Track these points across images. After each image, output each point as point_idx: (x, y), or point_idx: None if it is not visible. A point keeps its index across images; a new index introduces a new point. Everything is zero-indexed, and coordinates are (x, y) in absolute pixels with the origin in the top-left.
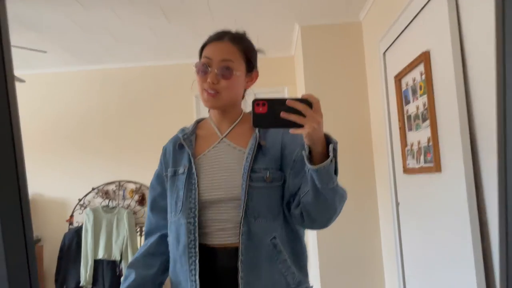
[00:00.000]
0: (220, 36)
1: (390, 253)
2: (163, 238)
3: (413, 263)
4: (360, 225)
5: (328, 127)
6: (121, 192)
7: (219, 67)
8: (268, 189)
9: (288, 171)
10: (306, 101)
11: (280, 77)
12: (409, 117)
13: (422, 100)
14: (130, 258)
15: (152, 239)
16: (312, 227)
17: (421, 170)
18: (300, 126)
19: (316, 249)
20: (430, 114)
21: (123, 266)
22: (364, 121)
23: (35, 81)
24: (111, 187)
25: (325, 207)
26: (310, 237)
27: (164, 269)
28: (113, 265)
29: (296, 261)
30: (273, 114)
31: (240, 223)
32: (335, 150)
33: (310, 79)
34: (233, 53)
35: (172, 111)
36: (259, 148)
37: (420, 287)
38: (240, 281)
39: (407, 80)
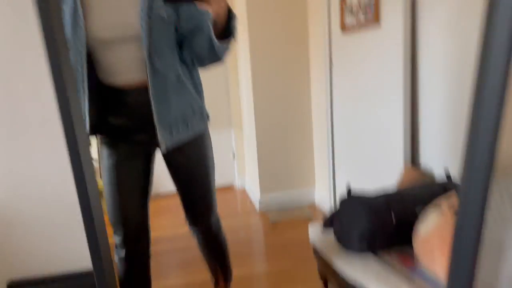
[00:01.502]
0: None
1: (321, 111)
2: None
3: (342, 117)
4: (292, 86)
5: None
6: None
7: None
8: (166, 25)
9: (181, 13)
10: None
11: None
12: None
13: None
14: None
15: None
16: (200, 67)
17: (359, 26)
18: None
19: (252, 108)
20: None
21: None
22: None
23: None
24: None
25: (216, 58)
26: (245, 95)
27: None
28: None
29: (197, 91)
30: None
31: (146, 61)
32: (235, 27)
33: None
34: None
35: None
36: None
37: (347, 139)
38: (154, 111)
39: None
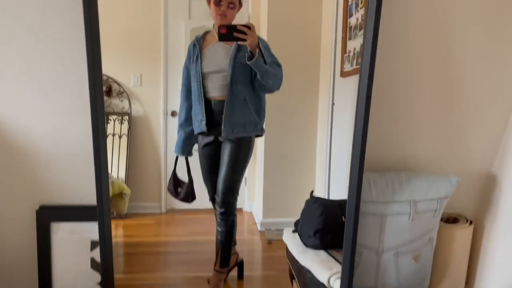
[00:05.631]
0: None
1: (322, 149)
2: (191, 106)
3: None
4: (301, 121)
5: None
6: None
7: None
8: (244, 66)
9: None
10: (248, 26)
11: None
12: (350, 27)
13: (361, 13)
14: None
15: (187, 106)
16: (265, 92)
17: (353, 72)
18: (245, 40)
19: (263, 141)
20: (364, 24)
21: None
22: (315, 34)
23: None
24: None
25: (267, 81)
26: None
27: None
28: None
29: (257, 110)
30: (230, 33)
31: (228, 85)
32: (261, 51)
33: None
34: None
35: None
36: (239, 46)
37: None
38: (224, 114)
39: None
